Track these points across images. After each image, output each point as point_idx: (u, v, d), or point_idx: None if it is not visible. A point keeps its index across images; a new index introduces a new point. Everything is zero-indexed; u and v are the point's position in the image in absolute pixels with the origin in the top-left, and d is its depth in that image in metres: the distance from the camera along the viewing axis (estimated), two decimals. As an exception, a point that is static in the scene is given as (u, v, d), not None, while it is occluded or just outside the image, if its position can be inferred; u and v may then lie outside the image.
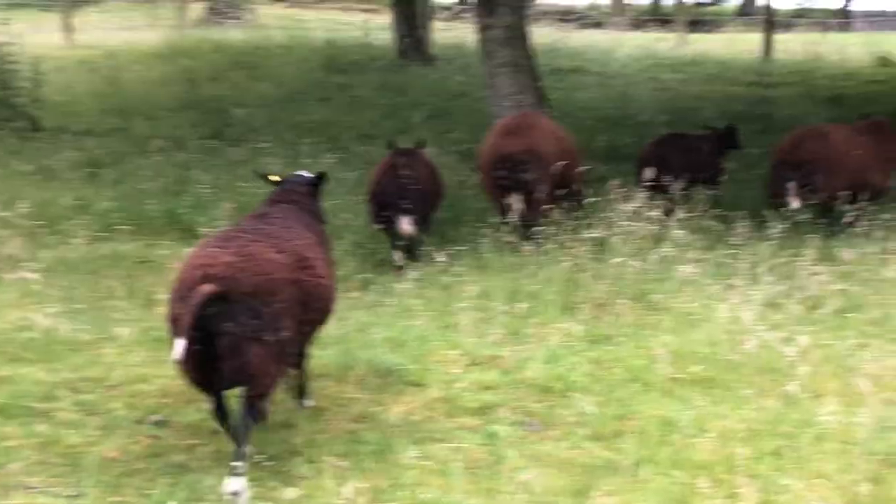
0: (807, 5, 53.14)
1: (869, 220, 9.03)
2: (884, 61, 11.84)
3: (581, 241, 8.16)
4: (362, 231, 9.23)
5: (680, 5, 35.56)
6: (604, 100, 17.55)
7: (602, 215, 8.64)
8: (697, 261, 7.81)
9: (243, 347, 4.94)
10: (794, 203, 9.86)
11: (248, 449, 4.99)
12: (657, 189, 9.81)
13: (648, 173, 9.82)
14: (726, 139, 11.42)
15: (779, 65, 24.22)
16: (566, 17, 36.09)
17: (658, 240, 8.18)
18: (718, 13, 44.57)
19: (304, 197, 6.20)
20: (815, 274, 7.58)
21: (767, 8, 27.83)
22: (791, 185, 9.93)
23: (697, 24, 41.53)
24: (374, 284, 8.27)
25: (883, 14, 45.95)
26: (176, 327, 4.89)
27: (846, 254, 8.09)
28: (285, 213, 5.86)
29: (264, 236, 5.36)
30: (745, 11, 48.31)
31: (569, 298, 7.51)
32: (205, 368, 4.98)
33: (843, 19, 47.57)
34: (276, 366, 5.15)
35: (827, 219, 9.68)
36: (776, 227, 8.45)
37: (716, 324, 6.80)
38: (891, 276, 7.67)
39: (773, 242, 8.34)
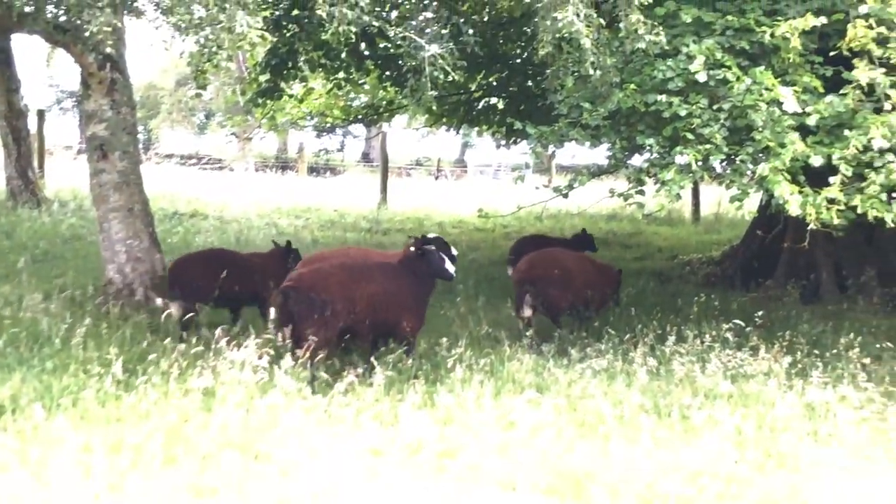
0: (424, 155, 56.10)
1: (468, 366, 9.51)
2: (482, 212, 12.67)
3: (187, 391, 8.08)
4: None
5: (302, 153, 36.38)
6: (222, 244, 17.56)
7: (211, 363, 8.61)
8: (304, 409, 7.91)
9: (298, 318, 9.16)
10: (527, 312, 11.45)
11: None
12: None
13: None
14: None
15: (393, 212, 25.26)
16: (188, 159, 36.07)
17: (265, 388, 8.22)
18: (339, 162, 45.92)
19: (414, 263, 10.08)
20: (417, 420, 7.87)
21: (384, 157, 29.02)
22: (527, 299, 11.45)
23: (319, 169, 42.74)
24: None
25: (489, 166, 49.23)
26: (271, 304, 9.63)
27: (445, 399, 8.46)
28: (384, 263, 10.41)
29: (338, 265, 9.99)
30: (366, 158, 50.26)
31: (174, 450, 7.36)
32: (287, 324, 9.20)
33: (459, 168, 50.58)
34: (321, 333, 9.10)
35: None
36: (380, 375, 8.75)
37: (319, 473, 6.87)
38: (486, 420, 8.06)
39: (377, 388, 8.60)
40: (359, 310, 9.49)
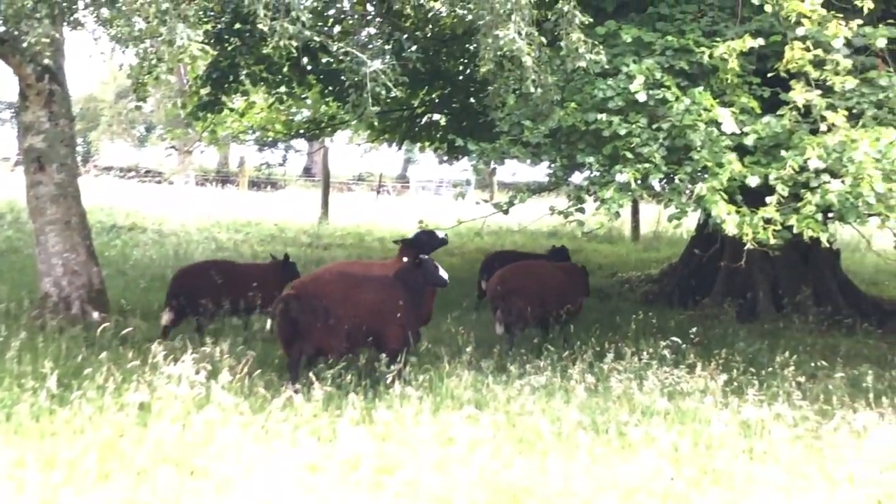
0: (366, 170, 55.99)
1: (406, 381, 9.49)
2: (422, 225, 12.72)
3: (122, 406, 7.98)
4: None
5: (243, 167, 36.17)
6: (160, 258, 17.43)
7: (146, 378, 8.51)
8: (241, 424, 7.84)
9: (304, 326, 9.42)
10: (499, 328, 11.78)
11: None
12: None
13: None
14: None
15: (335, 226, 25.18)
16: (127, 172, 35.72)
17: (202, 404, 8.14)
18: (280, 176, 45.64)
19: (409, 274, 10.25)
20: (355, 435, 7.83)
21: (325, 172, 28.95)
22: (497, 314, 11.81)
23: (261, 184, 42.49)
24: None
25: (431, 181, 49.23)
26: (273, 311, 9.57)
27: (384, 414, 8.42)
28: (381, 275, 10.43)
29: (336, 273, 10.25)
30: (308, 173, 50.01)
31: (109, 466, 7.26)
32: (285, 336, 9.57)
33: (401, 183, 50.53)
34: (331, 341, 9.50)
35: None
36: (319, 390, 8.70)
37: (255, 489, 6.81)
38: (424, 436, 8.04)
39: (316, 403, 8.55)
40: (357, 315, 9.71)
